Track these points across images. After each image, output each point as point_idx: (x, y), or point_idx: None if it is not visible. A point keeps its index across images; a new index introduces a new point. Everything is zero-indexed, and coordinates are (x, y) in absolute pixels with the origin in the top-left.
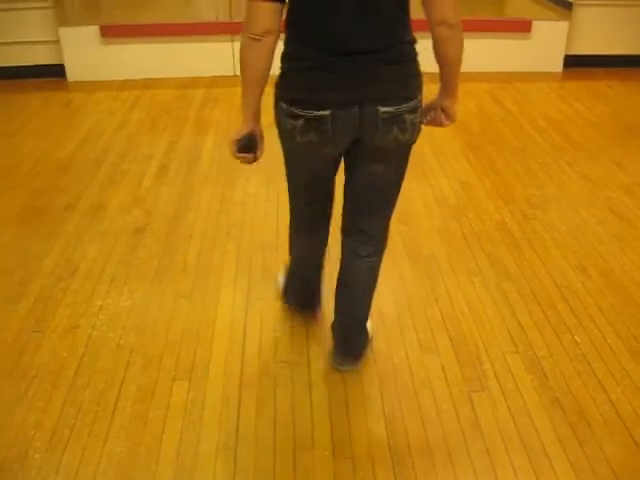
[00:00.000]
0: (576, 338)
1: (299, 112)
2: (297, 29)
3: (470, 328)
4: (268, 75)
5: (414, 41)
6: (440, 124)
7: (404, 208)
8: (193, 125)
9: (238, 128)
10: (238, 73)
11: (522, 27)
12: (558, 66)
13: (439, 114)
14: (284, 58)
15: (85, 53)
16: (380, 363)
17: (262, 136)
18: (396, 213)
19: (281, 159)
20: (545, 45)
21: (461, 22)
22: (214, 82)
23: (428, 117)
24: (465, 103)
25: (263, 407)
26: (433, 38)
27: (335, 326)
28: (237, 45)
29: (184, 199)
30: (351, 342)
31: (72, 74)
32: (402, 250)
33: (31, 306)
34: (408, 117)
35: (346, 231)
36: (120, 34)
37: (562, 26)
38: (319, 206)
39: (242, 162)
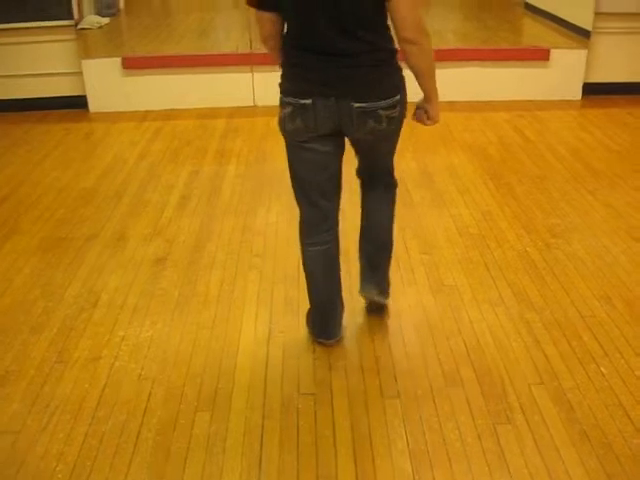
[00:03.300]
0: (602, 369)
1: (289, 100)
2: (288, 36)
3: (494, 359)
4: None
5: (393, 49)
6: (423, 122)
7: (425, 238)
8: (214, 155)
9: None
10: (258, 103)
11: (540, 55)
12: (577, 94)
13: (422, 114)
14: (281, 57)
15: (107, 84)
16: (404, 396)
17: None
18: (418, 243)
19: None
20: (564, 73)
21: (426, 39)
22: (235, 112)
23: (416, 115)
24: (485, 132)
25: (286, 440)
26: (401, 53)
27: (362, 255)
28: (257, 76)
29: (205, 229)
30: (377, 268)
31: (94, 105)
32: (424, 280)
33: (54, 337)
34: (383, 112)
35: (359, 171)
36: (141, 66)
37: (580, 54)
38: (320, 210)
39: None
